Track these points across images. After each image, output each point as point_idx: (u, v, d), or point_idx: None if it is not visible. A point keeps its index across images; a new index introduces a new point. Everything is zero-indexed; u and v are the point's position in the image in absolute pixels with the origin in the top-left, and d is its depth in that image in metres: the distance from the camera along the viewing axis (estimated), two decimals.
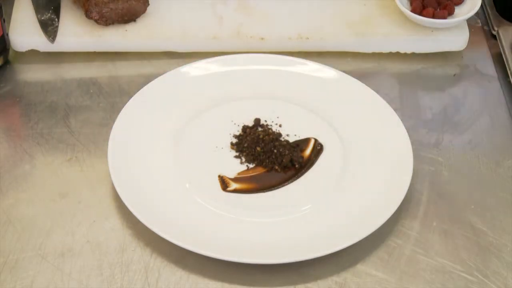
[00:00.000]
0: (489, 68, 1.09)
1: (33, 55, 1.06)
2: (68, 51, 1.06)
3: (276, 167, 0.93)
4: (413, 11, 1.08)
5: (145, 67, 1.06)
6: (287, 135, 0.97)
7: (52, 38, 1.04)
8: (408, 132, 0.96)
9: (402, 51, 1.09)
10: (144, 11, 1.07)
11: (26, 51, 1.06)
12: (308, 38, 1.07)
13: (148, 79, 1.01)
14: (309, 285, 0.84)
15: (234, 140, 0.96)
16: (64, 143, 0.96)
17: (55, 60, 1.06)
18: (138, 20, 1.07)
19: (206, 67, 1.03)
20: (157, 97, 0.99)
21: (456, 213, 0.91)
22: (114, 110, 0.99)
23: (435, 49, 1.09)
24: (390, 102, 0.99)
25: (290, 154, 0.94)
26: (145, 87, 0.99)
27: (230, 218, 0.88)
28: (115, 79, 1.05)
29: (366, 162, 0.94)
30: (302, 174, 0.93)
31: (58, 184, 0.92)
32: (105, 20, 1.05)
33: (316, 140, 0.97)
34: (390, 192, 0.90)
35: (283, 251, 0.85)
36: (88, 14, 1.04)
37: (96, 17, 1.04)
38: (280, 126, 0.98)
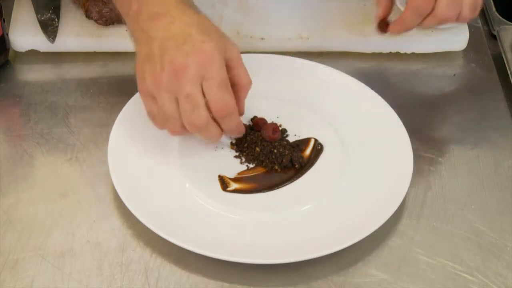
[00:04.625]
0: (489, 68, 1.09)
1: (33, 55, 1.06)
2: (68, 51, 1.06)
3: (276, 167, 0.93)
4: None
5: None
6: (287, 135, 0.97)
7: (52, 38, 1.04)
8: (408, 132, 0.96)
9: (402, 51, 1.09)
10: None
11: (26, 51, 1.06)
12: (308, 38, 1.07)
13: None
14: (309, 285, 0.84)
15: (234, 140, 0.96)
16: (64, 143, 0.96)
17: (55, 60, 1.06)
18: None
19: None
20: None
21: (456, 213, 0.91)
22: (114, 110, 0.98)
23: (435, 49, 1.09)
24: (390, 102, 0.99)
25: (290, 154, 0.94)
26: None
27: (230, 218, 0.88)
28: (115, 79, 1.05)
29: (366, 162, 0.94)
30: (302, 174, 0.93)
31: (58, 184, 0.92)
32: (105, 20, 1.05)
33: (316, 140, 0.97)
34: (390, 192, 0.90)
35: (283, 251, 0.85)
36: (88, 14, 1.04)
37: (96, 17, 1.04)
38: (280, 126, 0.98)
